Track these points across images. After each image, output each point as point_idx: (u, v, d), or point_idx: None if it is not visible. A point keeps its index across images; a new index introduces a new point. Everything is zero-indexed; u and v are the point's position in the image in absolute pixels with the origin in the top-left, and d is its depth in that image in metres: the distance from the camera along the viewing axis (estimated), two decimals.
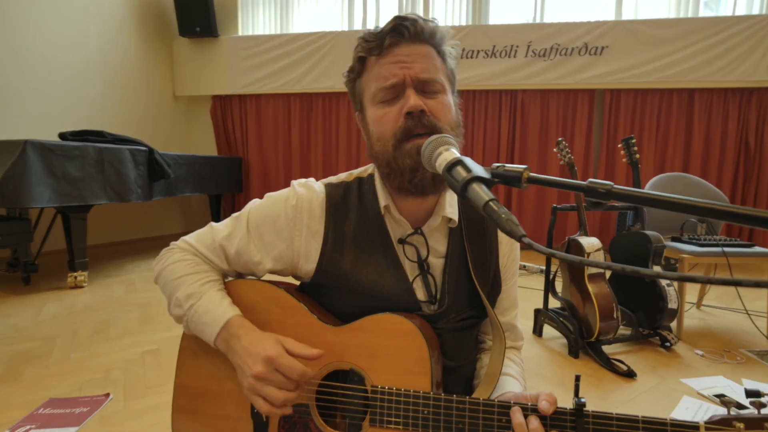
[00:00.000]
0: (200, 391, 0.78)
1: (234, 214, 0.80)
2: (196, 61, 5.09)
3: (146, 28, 4.79)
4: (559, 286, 2.16)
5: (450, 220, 0.77)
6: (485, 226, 0.82)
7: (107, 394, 1.47)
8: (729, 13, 4.16)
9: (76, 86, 4.02)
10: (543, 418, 0.62)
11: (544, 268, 3.31)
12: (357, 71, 0.75)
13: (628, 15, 4.30)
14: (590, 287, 1.89)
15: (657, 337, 2.06)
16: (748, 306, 2.34)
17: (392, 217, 0.76)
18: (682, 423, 0.59)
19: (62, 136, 3.23)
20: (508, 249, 0.84)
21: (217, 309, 0.72)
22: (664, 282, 2.02)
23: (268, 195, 0.80)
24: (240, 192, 5.11)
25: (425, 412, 0.66)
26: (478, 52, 4.41)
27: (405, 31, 0.69)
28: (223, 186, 4.75)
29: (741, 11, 4.14)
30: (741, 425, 0.58)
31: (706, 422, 0.59)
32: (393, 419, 0.67)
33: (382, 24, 0.72)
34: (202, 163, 4.30)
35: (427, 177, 0.68)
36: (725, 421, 0.58)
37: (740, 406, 1.58)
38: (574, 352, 1.93)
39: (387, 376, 0.70)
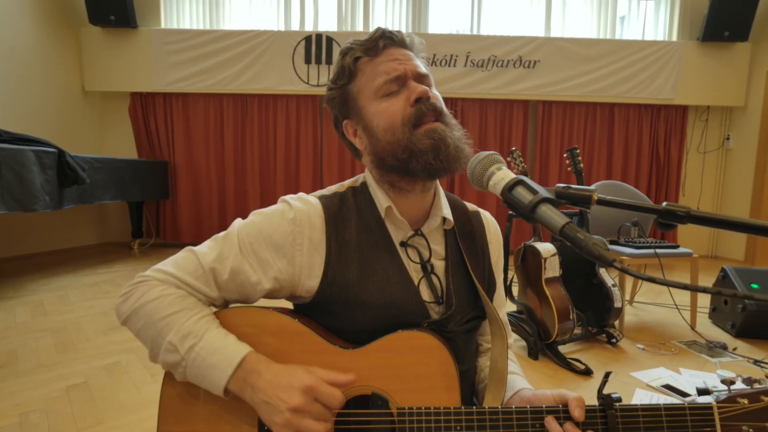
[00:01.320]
0: None
1: (216, 235, 0.72)
2: (111, 53, 4.58)
3: (46, 13, 4.19)
4: (515, 290, 2.21)
5: (446, 221, 0.78)
6: (473, 229, 0.82)
7: None
8: (639, 34, 4.64)
9: None
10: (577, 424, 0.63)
11: None
12: (348, 76, 0.75)
13: (556, 32, 4.61)
14: (548, 291, 1.95)
15: (604, 335, 2.18)
16: (670, 300, 2.58)
17: (393, 219, 0.75)
18: (697, 405, 0.64)
19: None
20: (497, 249, 0.86)
21: (226, 348, 0.63)
22: (609, 283, 2.14)
23: (257, 212, 0.74)
24: (166, 198, 4.68)
25: (458, 428, 0.63)
26: None
27: (394, 37, 0.74)
28: (147, 192, 4.31)
29: (649, 35, 4.64)
30: (745, 401, 0.64)
31: (717, 402, 0.64)
32: None
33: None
34: (122, 167, 3.88)
35: (449, 153, 0.68)
36: (731, 399, 0.64)
37: (684, 394, 1.69)
38: (533, 353, 1.97)
39: (413, 395, 0.65)
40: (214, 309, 0.70)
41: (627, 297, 2.85)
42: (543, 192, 0.48)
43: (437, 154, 0.67)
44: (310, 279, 0.71)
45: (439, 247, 0.78)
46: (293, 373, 0.62)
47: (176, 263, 0.69)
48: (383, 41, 0.73)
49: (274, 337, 0.67)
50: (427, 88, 0.71)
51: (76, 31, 4.53)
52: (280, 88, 4.56)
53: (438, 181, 0.78)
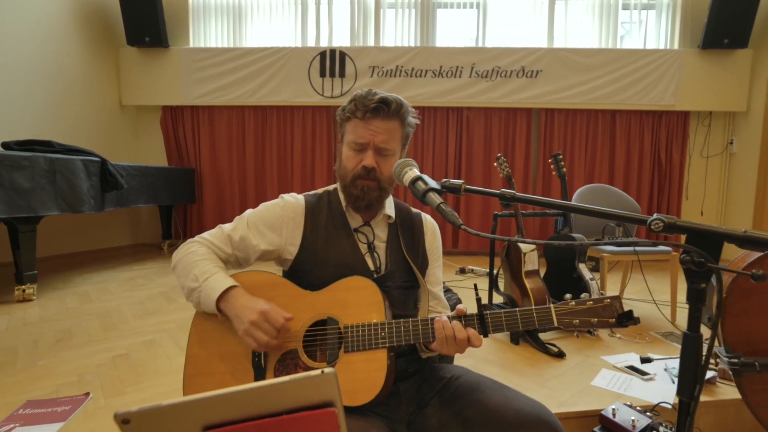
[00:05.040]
0: (209, 356, 0.97)
1: (237, 217, 1.11)
2: (145, 70, 5.02)
3: (90, 35, 4.67)
4: (502, 285, 2.44)
5: (389, 217, 1.13)
6: (413, 224, 1.17)
7: (87, 393, 1.52)
8: (641, 45, 4.79)
9: (15, 93, 3.86)
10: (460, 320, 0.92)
11: (487, 271, 3.62)
12: (345, 118, 1.09)
13: (558, 43, 4.81)
14: (527, 282, 2.17)
15: None
16: (657, 298, 2.76)
17: (350, 213, 1.12)
18: (540, 307, 0.91)
19: (6, 145, 3.13)
20: (431, 239, 1.19)
21: (224, 281, 0.99)
22: (587, 276, 2.34)
23: (263, 204, 1.13)
24: (193, 203, 5.07)
25: (382, 334, 0.93)
26: (426, 71, 4.75)
27: (382, 110, 1.02)
28: (176, 197, 4.70)
29: (651, 43, 4.79)
30: (572, 303, 0.91)
31: (554, 304, 0.91)
32: (361, 344, 0.93)
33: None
34: (155, 174, 4.26)
35: (362, 205, 1.06)
36: (564, 302, 0.92)
37: (644, 373, 1.88)
38: (515, 339, 2.20)
39: (354, 317, 0.96)
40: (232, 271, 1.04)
41: (616, 293, 3.02)
42: (432, 184, 0.75)
43: (355, 201, 1.06)
44: (293, 246, 1.08)
45: (383, 234, 1.13)
46: (257, 301, 0.94)
47: (210, 233, 1.09)
48: (371, 113, 1.02)
49: (267, 286, 1.02)
50: (373, 163, 1.03)
51: (115, 52, 5.00)
52: (297, 100, 4.90)
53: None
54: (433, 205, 0.71)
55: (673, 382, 1.77)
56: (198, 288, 0.97)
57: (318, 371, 0.40)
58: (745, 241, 0.52)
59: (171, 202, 4.67)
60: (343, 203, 1.11)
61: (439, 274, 1.20)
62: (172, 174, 4.62)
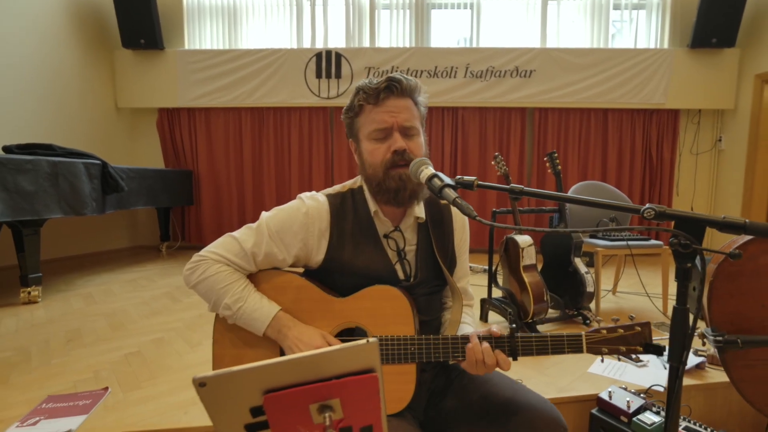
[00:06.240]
0: (236, 358, 0.99)
1: (250, 225, 1.01)
2: (141, 73, 5.05)
3: (85, 38, 4.69)
4: (500, 280, 2.51)
5: (419, 218, 1.06)
6: (443, 219, 1.11)
7: (106, 388, 1.57)
8: (631, 44, 4.90)
9: (11, 97, 3.87)
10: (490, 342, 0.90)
11: (486, 267, 3.70)
12: (355, 112, 1.00)
13: (551, 43, 4.90)
14: (525, 276, 2.25)
15: (580, 317, 2.46)
16: (650, 291, 2.85)
17: (378, 218, 1.03)
18: (572, 335, 0.90)
19: (8, 149, 3.16)
20: (460, 234, 1.14)
21: (262, 308, 0.96)
22: (582, 270, 2.43)
23: (279, 208, 1.03)
24: (191, 204, 5.10)
25: (412, 349, 0.92)
26: (422, 72, 4.82)
27: (395, 88, 0.95)
28: (174, 199, 4.73)
29: (641, 43, 4.90)
30: (604, 331, 0.90)
31: (585, 333, 0.91)
32: (391, 358, 0.93)
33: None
34: (153, 176, 4.30)
35: (405, 196, 0.96)
36: (596, 330, 0.91)
37: (636, 359, 1.97)
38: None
39: (383, 328, 0.95)
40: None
41: (610, 287, 3.12)
42: (447, 180, 0.82)
43: (396, 195, 0.96)
44: (318, 255, 1.01)
45: (412, 237, 1.06)
46: (311, 334, 0.94)
47: (224, 247, 0.98)
48: (384, 93, 0.94)
49: (291, 290, 1.00)
50: (403, 145, 0.94)
51: (110, 55, 5.02)
52: (293, 101, 4.95)
53: None
54: (450, 200, 0.77)
55: (665, 368, 1.85)
56: (233, 315, 0.96)
57: (363, 340, 0.46)
58: (723, 226, 0.59)
59: (170, 204, 4.70)
60: (372, 208, 1.02)
61: (466, 267, 1.17)
62: (170, 176, 4.65)
